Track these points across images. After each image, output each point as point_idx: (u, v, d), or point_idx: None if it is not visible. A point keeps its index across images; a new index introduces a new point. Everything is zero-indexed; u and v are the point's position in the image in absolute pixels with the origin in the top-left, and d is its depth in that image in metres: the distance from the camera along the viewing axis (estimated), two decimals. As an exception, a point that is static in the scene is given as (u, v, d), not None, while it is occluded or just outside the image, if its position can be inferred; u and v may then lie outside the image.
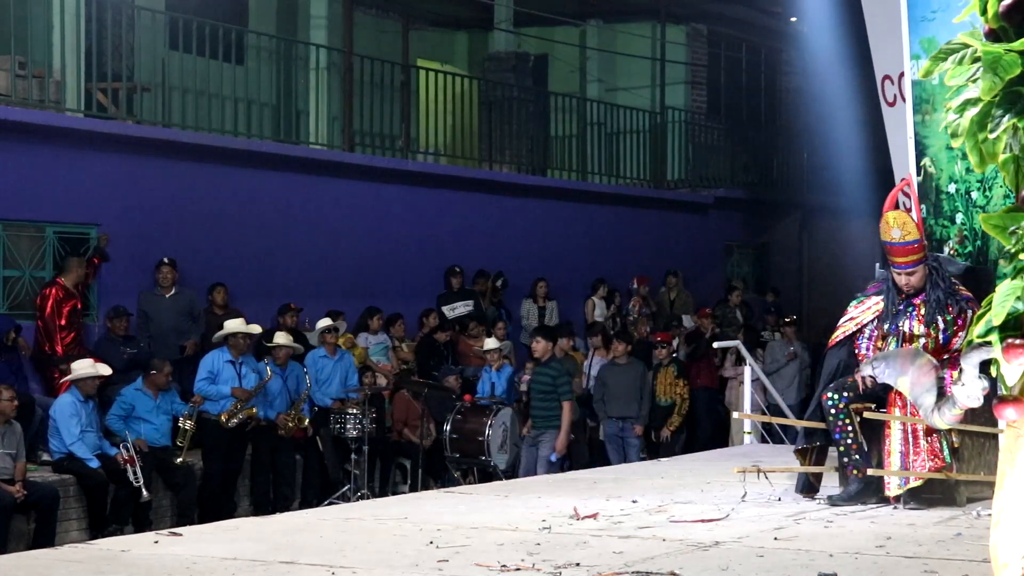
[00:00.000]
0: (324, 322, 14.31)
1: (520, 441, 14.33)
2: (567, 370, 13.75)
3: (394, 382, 14.89)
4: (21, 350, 12.87)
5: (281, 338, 13.70)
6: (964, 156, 9.39)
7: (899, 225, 8.06)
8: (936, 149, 9.85)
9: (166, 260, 14.17)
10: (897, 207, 8.69)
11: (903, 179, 8.35)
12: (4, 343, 12.52)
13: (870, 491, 8.23)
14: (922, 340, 8.10)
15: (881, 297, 8.35)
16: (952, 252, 9.41)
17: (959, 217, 9.68)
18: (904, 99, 10.39)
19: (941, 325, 8.08)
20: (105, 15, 14.57)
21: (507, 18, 20.30)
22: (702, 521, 7.59)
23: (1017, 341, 3.32)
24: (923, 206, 9.73)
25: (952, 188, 9.74)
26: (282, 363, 13.50)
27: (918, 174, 9.93)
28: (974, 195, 9.62)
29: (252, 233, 15.58)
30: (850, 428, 8.25)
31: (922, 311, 8.14)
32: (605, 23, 22.24)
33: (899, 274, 8.19)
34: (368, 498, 12.52)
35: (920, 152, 10.00)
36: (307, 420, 13.56)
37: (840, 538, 7.00)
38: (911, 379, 7.76)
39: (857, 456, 8.24)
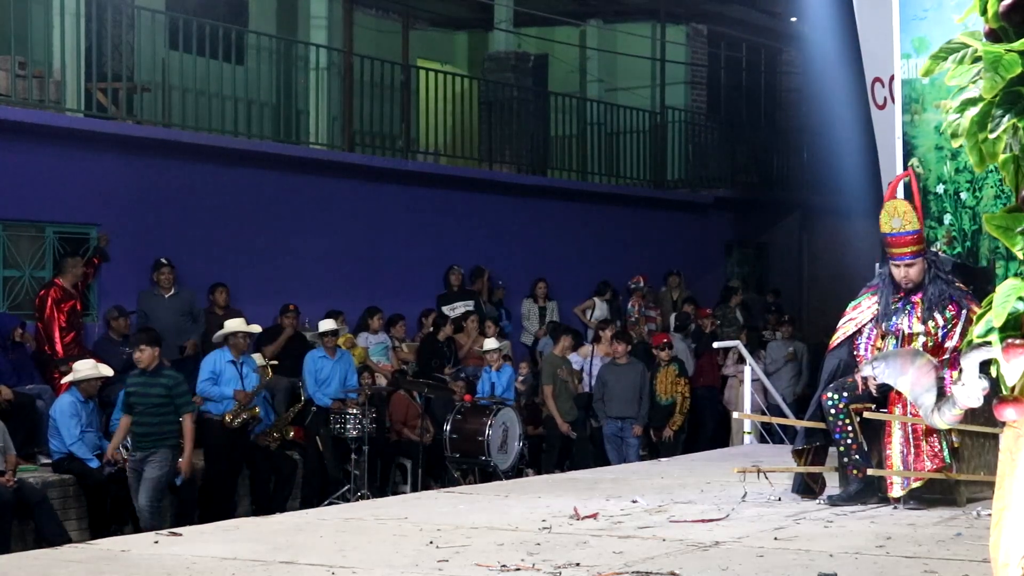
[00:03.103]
0: (328, 324, 14.14)
1: (523, 440, 14.34)
2: (184, 379, 11.73)
3: (389, 382, 14.88)
4: (27, 343, 12.84)
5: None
6: (953, 156, 9.38)
7: (900, 214, 8.00)
8: (924, 149, 9.81)
9: (163, 261, 14.15)
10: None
11: (907, 168, 8.34)
12: (11, 340, 12.52)
13: (870, 491, 8.22)
14: (921, 338, 8.07)
15: (878, 296, 8.32)
16: (940, 253, 9.39)
17: (947, 218, 9.64)
18: (894, 101, 10.35)
19: (940, 322, 8.05)
20: (105, 15, 14.58)
21: (507, 18, 20.31)
22: (702, 521, 7.58)
23: (1017, 341, 3.31)
24: None
25: (940, 189, 9.71)
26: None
27: None
28: (963, 196, 9.58)
29: (252, 233, 15.58)
30: (850, 428, 8.23)
31: (920, 309, 8.11)
32: (605, 23, 22.24)
33: (897, 266, 8.11)
34: (368, 498, 12.52)
35: (908, 152, 9.95)
36: (291, 432, 13.55)
37: (840, 538, 6.99)
38: (911, 379, 7.74)
39: (857, 456, 8.23)
